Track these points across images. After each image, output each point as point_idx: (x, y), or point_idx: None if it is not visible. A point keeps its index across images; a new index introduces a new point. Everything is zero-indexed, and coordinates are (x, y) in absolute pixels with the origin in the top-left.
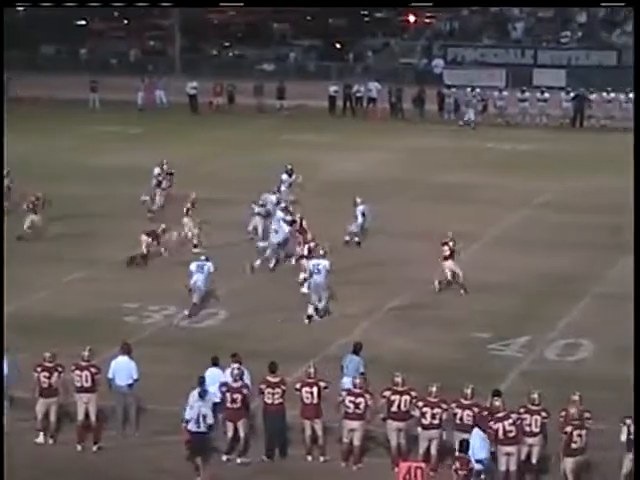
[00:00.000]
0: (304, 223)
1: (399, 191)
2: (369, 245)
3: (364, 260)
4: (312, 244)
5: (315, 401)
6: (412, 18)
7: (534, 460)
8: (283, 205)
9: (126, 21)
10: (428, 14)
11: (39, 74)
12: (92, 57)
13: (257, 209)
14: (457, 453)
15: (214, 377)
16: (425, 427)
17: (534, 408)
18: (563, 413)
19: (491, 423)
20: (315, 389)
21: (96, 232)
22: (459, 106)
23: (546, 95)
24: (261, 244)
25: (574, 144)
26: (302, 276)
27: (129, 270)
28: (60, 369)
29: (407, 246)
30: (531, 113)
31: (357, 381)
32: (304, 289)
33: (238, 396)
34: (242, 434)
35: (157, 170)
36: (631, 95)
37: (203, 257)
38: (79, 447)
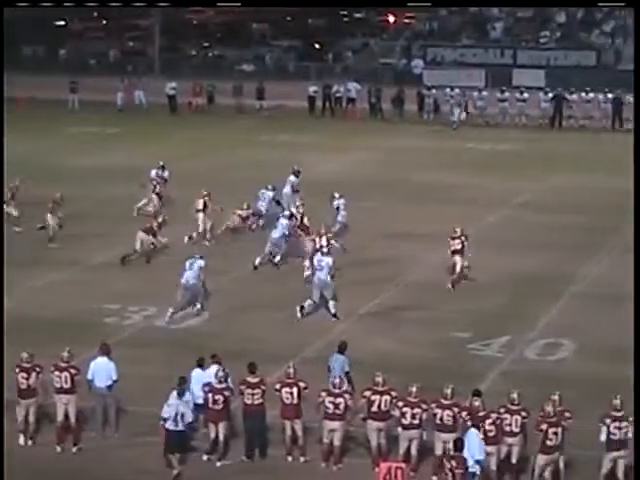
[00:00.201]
0: (305, 220)
1: (379, 191)
2: (348, 245)
3: (344, 260)
4: (327, 237)
5: (295, 401)
6: (391, 18)
7: (514, 460)
8: (287, 211)
9: (105, 21)
10: (408, 14)
11: (20, 74)
12: (71, 58)
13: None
14: (452, 452)
15: (199, 378)
16: (405, 427)
17: (514, 408)
18: (542, 413)
19: (470, 423)
20: (295, 389)
21: (77, 233)
22: (438, 106)
23: (525, 95)
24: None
25: (553, 144)
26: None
27: (110, 271)
28: (38, 369)
29: (387, 246)
30: (510, 113)
31: (336, 381)
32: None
33: (220, 397)
34: (221, 437)
35: (154, 173)
36: (610, 95)
37: (198, 255)
38: (59, 448)
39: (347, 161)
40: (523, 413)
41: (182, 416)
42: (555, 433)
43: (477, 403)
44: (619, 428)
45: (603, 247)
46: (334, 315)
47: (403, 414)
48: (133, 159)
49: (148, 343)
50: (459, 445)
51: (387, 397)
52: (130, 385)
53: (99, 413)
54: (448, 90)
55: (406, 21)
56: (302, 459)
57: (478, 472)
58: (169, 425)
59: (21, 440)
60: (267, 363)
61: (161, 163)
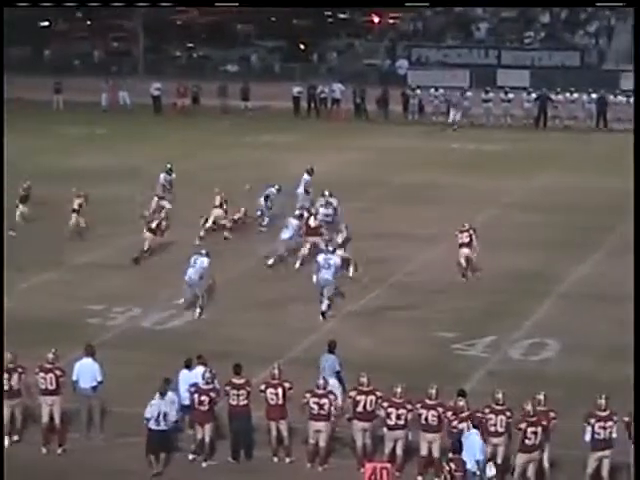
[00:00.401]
0: (311, 220)
1: (365, 191)
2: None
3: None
4: (345, 235)
5: (280, 402)
6: (376, 19)
7: (499, 460)
8: (298, 211)
9: (89, 22)
10: (392, 15)
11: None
12: (56, 58)
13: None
14: (451, 455)
15: (186, 379)
16: (390, 428)
17: (499, 408)
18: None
19: (455, 423)
20: (280, 390)
21: (64, 234)
22: (423, 107)
23: (510, 96)
24: None
25: (538, 144)
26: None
27: (95, 272)
28: (21, 370)
29: (372, 246)
30: (495, 113)
31: (321, 382)
32: (350, 273)
33: (205, 398)
34: (207, 439)
35: (162, 177)
36: (594, 95)
37: (203, 251)
38: (44, 449)
39: (332, 162)
40: (508, 413)
41: (164, 416)
42: (534, 432)
43: (462, 403)
44: (604, 428)
45: (589, 247)
46: (322, 314)
47: (388, 414)
48: (119, 160)
49: (133, 344)
50: (457, 447)
51: (372, 397)
52: (115, 386)
53: (84, 414)
54: (432, 90)
55: (391, 22)
56: (288, 460)
57: (478, 472)
58: (151, 425)
59: (6, 441)
60: (252, 364)
61: (169, 166)
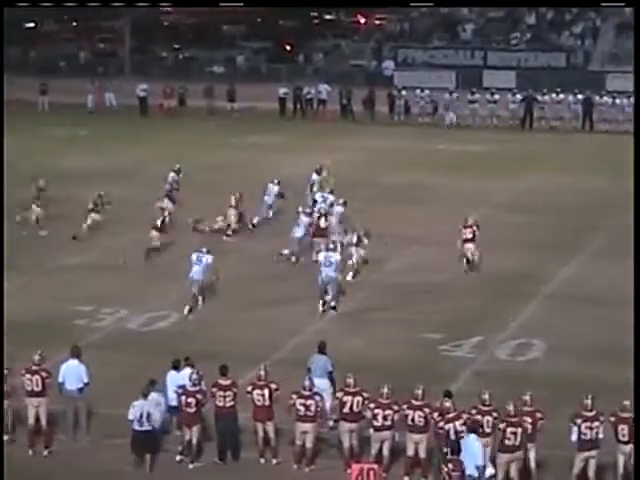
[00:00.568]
0: (322, 221)
1: (352, 192)
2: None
3: (308, 261)
4: (361, 232)
5: (267, 403)
6: (362, 20)
7: (487, 460)
8: (308, 209)
9: (75, 23)
10: (378, 16)
11: None
12: (41, 59)
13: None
14: (449, 455)
15: (174, 380)
16: (377, 428)
17: (485, 408)
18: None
19: (442, 424)
20: (266, 391)
21: (52, 235)
22: (409, 108)
23: (496, 97)
24: None
25: (525, 145)
26: (350, 262)
27: (82, 273)
28: (6, 372)
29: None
30: (481, 114)
31: (307, 383)
32: (349, 277)
33: (192, 400)
34: (194, 440)
35: (171, 177)
36: (580, 96)
37: (204, 249)
38: (30, 451)
39: (319, 162)
40: (494, 414)
41: (148, 416)
42: (513, 433)
43: (448, 404)
44: (590, 428)
45: (576, 247)
46: (333, 308)
47: (375, 415)
48: (105, 161)
49: (119, 345)
50: (455, 448)
51: (359, 398)
52: (101, 387)
53: (70, 416)
54: (418, 91)
55: (377, 23)
56: (274, 461)
57: (478, 477)
58: (135, 426)
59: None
60: (239, 365)
61: (177, 166)
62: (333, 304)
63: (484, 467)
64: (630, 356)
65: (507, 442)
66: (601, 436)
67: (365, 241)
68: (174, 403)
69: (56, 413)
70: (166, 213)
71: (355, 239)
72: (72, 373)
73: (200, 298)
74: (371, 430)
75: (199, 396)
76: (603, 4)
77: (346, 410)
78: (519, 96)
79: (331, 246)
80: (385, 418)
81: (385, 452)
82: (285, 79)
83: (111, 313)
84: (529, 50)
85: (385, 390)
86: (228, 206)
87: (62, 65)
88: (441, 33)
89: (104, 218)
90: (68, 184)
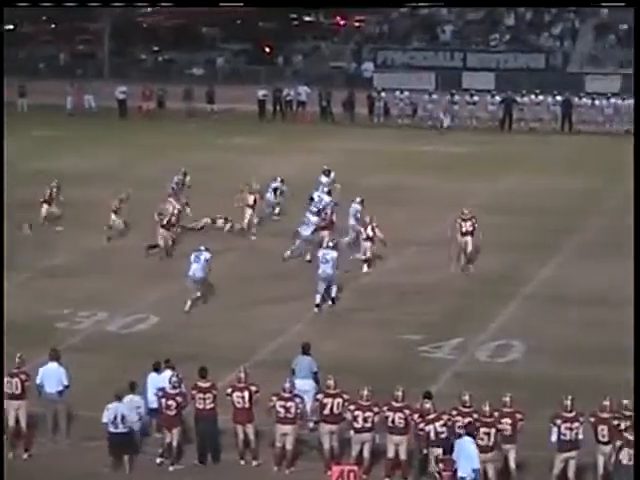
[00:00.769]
0: (334, 218)
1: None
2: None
3: (295, 262)
4: (374, 225)
5: (247, 405)
6: (342, 21)
7: None
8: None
9: (54, 25)
10: (358, 17)
11: None
12: (21, 61)
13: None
14: (441, 455)
15: (154, 382)
16: (357, 430)
17: (465, 410)
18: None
19: (422, 425)
20: (246, 393)
21: (31, 238)
22: (389, 109)
23: (475, 98)
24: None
25: (505, 146)
26: (363, 257)
27: (61, 275)
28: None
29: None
30: (460, 116)
31: (287, 385)
32: (365, 269)
33: (172, 403)
34: (175, 443)
35: (175, 179)
36: (559, 97)
37: (203, 247)
38: (10, 454)
39: (299, 164)
40: (475, 415)
41: (122, 418)
42: (487, 433)
43: (428, 405)
44: (570, 429)
45: (555, 248)
46: (332, 300)
47: (355, 417)
48: (84, 163)
49: (99, 348)
50: (447, 448)
51: (339, 400)
52: (81, 390)
53: (49, 419)
54: (398, 93)
55: (356, 24)
56: (254, 463)
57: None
58: (110, 428)
59: None
60: (220, 367)
61: (183, 170)
62: (333, 295)
63: (479, 470)
64: (610, 356)
65: (480, 442)
66: (581, 437)
67: (379, 234)
68: (154, 405)
69: (36, 416)
70: (175, 211)
71: (370, 233)
72: (51, 376)
73: (199, 295)
74: (351, 432)
75: (179, 399)
76: (603, 4)
77: (326, 412)
78: (498, 97)
79: (330, 244)
80: (365, 420)
81: (365, 454)
82: (264, 81)
83: (89, 316)
84: (508, 51)
85: (365, 392)
86: (245, 205)
87: (41, 67)
88: (420, 35)
89: (124, 219)
90: (46, 186)
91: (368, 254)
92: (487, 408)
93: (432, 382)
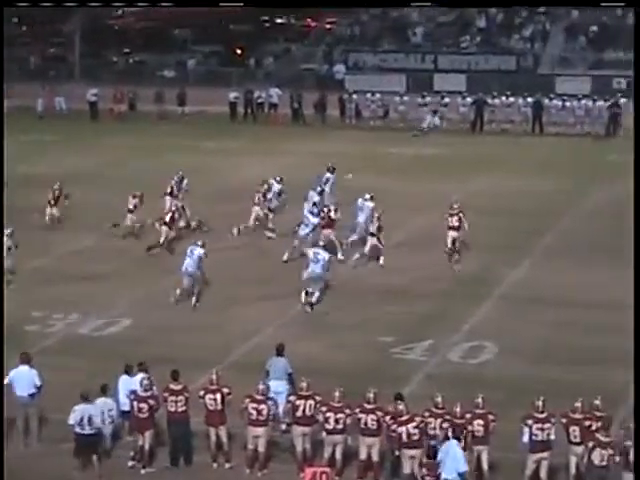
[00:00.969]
0: (332, 214)
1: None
2: (272, 249)
3: (267, 264)
4: (381, 223)
5: (219, 407)
6: (313, 23)
7: None
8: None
9: (25, 27)
10: (329, 19)
11: None
12: None
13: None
14: (424, 460)
15: (126, 384)
16: (329, 432)
17: (438, 411)
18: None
19: (394, 426)
20: (219, 396)
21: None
22: (360, 111)
23: (446, 100)
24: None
25: (477, 148)
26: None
27: (34, 278)
28: None
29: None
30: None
31: (260, 387)
32: (381, 262)
33: (144, 406)
34: (147, 446)
35: (173, 182)
36: (529, 99)
37: (200, 242)
38: None
39: (271, 166)
40: (447, 416)
41: (89, 419)
42: None
43: (400, 407)
44: (542, 429)
45: (527, 250)
46: (311, 305)
47: (326, 419)
48: (55, 166)
49: (71, 351)
50: (431, 453)
51: (311, 402)
52: (53, 393)
53: (20, 422)
54: (369, 95)
55: (327, 26)
56: (227, 465)
57: None
58: (77, 429)
59: None
60: (193, 369)
61: (180, 173)
62: (314, 300)
63: (465, 474)
64: (581, 356)
65: None
66: (553, 437)
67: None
68: (126, 408)
69: (7, 419)
70: (174, 208)
71: (375, 229)
72: (22, 379)
73: (196, 288)
74: (323, 433)
75: (151, 401)
76: (603, 4)
77: (299, 414)
78: (469, 99)
79: (320, 243)
80: (337, 421)
81: (338, 455)
82: (236, 83)
83: (61, 319)
84: (479, 53)
85: (337, 393)
86: (252, 204)
87: (12, 69)
88: (391, 37)
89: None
90: (20, 188)
91: (366, 249)
92: (458, 409)
93: (405, 384)
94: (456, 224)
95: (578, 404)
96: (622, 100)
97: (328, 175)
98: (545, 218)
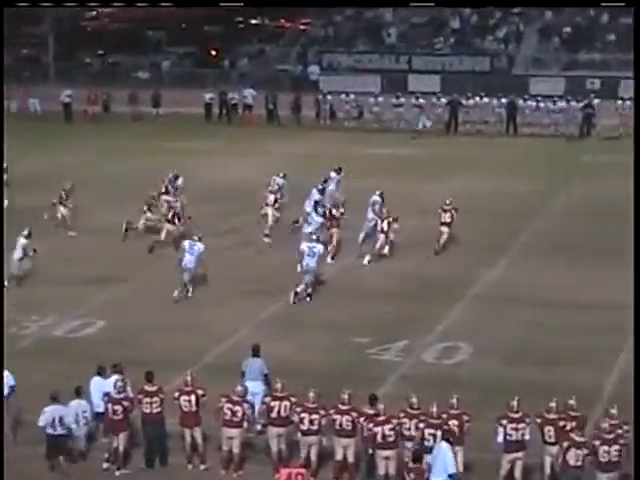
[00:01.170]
0: (334, 211)
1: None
2: (246, 250)
3: (242, 265)
4: (391, 219)
5: (194, 409)
6: (287, 24)
7: None
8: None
9: None
10: (303, 20)
11: None
12: None
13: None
14: (411, 464)
15: (98, 386)
16: (304, 433)
17: (413, 412)
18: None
19: (371, 425)
20: (193, 397)
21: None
22: (334, 112)
23: (421, 100)
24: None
25: (452, 149)
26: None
27: (8, 281)
28: None
29: (287, 251)
30: (406, 118)
31: (239, 389)
32: (385, 250)
33: (119, 408)
34: (121, 447)
35: (166, 181)
36: (504, 100)
37: (196, 237)
38: None
39: (247, 167)
40: (422, 417)
41: (60, 420)
42: (432, 434)
43: (381, 406)
44: (516, 429)
45: (501, 250)
46: (295, 294)
47: (301, 420)
48: (29, 168)
49: (46, 352)
50: (417, 456)
51: (286, 403)
52: (28, 395)
53: None
54: (343, 96)
55: (301, 27)
56: (202, 466)
57: None
58: (49, 430)
59: None
60: (168, 370)
61: (175, 172)
62: (309, 291)
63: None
64: (557, 357)
65: (426, 444)
66: (527, 437)
67: (396, 225)
68: (100, 410)
69: None
70: (176, 204)
71: (386, 226)
72: None
73: (190, 286)
74: (299, 434)
75: (125, 403)
76: (603, 4)
77: (274, 415)
78: (444, 100)
79: (314, 237)
80: (312, 422)
81: (312, 456)
82: (210, 84)
83: (36, 321)
84: (453, 54)
85: (311, 394)
86: (264, 205)
87: None
88: (365, 38)
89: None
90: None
91: (377, 245)
92: (434, 409)
93: (380, 384)
94: (448, 220)
95: (553, 404)
96: (595, 101)
97: (333, 174)
98: (519, 219)
